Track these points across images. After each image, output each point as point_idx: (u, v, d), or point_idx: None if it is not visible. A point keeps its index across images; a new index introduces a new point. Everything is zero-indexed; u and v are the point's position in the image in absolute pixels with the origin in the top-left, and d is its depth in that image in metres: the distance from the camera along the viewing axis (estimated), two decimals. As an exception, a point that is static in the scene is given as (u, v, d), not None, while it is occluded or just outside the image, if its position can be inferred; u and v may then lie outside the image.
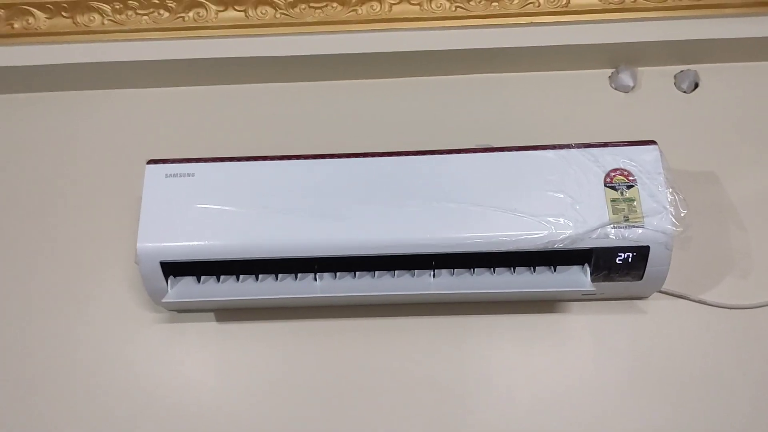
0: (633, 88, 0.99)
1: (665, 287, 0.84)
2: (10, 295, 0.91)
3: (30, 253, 0.93)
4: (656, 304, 0.86)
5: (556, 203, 0.78)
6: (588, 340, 0.86)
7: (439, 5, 0.95)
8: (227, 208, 0.81)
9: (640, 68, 1.00)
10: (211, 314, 0.90)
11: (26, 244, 0.94)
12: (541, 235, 0.76)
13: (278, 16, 0.97)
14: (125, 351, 0.88)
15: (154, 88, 1.03)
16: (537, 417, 0.82)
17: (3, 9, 0.97)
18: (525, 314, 0.87)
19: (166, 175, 0.83)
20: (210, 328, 0.89)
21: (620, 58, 0.99)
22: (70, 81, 1.01)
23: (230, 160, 0.83)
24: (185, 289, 0.82)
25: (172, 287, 0.82)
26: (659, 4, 0.94)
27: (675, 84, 0.99)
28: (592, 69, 1.00)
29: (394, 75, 1.01)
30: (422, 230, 0.78)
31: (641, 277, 0.78)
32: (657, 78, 1.00)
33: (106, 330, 0.89)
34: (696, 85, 0.99)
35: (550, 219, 0.77)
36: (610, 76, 1.00)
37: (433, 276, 0.81)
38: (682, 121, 0.97)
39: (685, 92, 0.99)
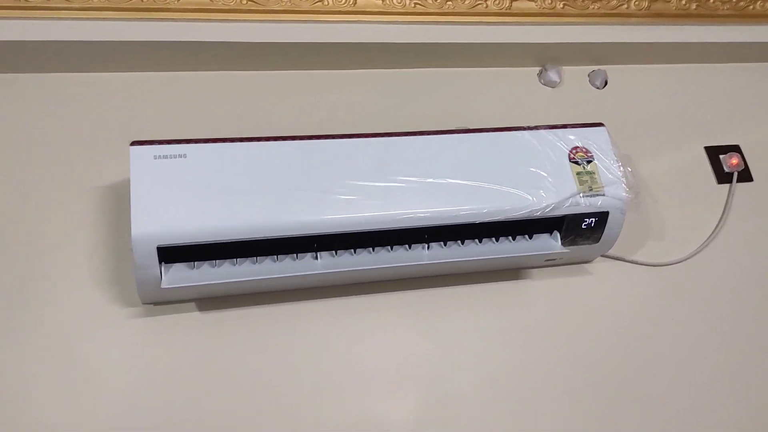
0: (559, 83, 1.13)
1: (607, 251, 0.99)
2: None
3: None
4: (599, 266, 1.00)
5: (533, 177, 0.87)
6: (546, 302, 0.97)
7: (399, 0, 1.01)
8: (223, 189, 0.79)
9: (562, 67, 1.15)
10: (193, 304, 0.86)
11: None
12: (526, 204, 0.85)
13: (244, 2, 0.96)
14: (101, 348, 0.82)
15: (116, 73, 0.97)
16: (510, 375, 0.91)
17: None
18: (493, 282, 0.96)
19: (155, 156, 0.79)
20: (192, 318, 0.86)
21: (546, 58, 1.13)
22: (46, 61, 0.93)
23: (223, 141, 0.82)
24: (181, 274, 0.79)
25: (165, 273, 0.78)
26: (581, 11, 1.09)
27: (590, 81, 1.15)
28: (523, 66, 1.13)
29: (351, 66, 1.06)
30: (418, 205, 0.84)
31: (599, 240, 0.91)
32: (575, 76, 1.15)
33: (78, 326, 0.82)
34: (605, 83, 1.16)
35: (532, 191, 0.86)
36: (538, 74, 1.14)
37: (427, 248, 0.86)
38: (598, 113, 1.12)
39: (597, 88, 1.15)
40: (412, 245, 0.86)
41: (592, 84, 1.15)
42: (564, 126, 0.92)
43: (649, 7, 1.12)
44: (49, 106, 0.93)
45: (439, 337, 0.91)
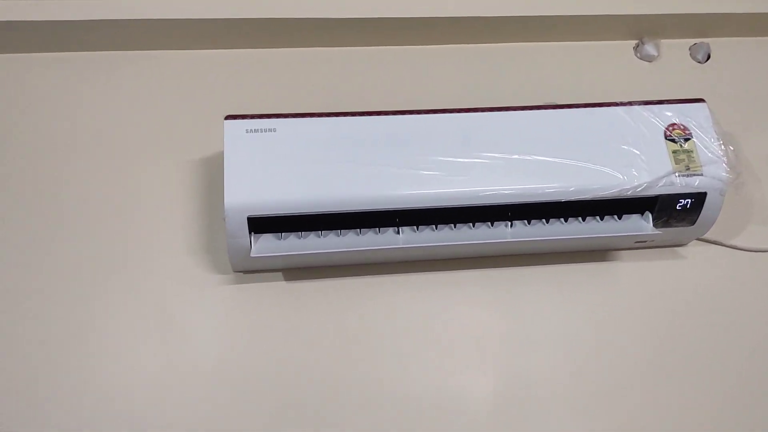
0: (657, 57, 1.07)
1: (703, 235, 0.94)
2: (73, 253, 0.87)
3: (94, 214, 0.90)
4: (694, 250, 0.95)
5: (624, 154, 0.84)
6: (637, 286, 0.93)
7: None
8: (310, 162, 0.81)
9: (661, 40, 1.09)
10: (280, 274, 0.90)
11: (94, 203, 0.91)
12: (616, 183, 0.82)
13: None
14: (194, 313, 0.86)
15: (213, 50, 1.02)
16: (596, 358, 0.89)
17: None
18: (582, 263, 0.93)
19: (247, 130, 0.82)
20: (279, 287, 0.89)
21: (643, 30, 1.07)
22: (145, 39, 0.99)
23: (311, 116, 0.84)
24: (269, 244, 0.82)
25: (255, 243, 0.81)
26: (682, -20, 1.03)
27: (690, 55, 1.09)
28: (618, 40, 1.08)
29: (458, 41, 1.05)
30: (501, 181, 0.83)
31: (694, 222, 0.87)
32: (674, 49, 1.09)
33: (172, 292, 0.87)
34: (708, 57, 1.09)
35: (623, 169, 0.83)
36: (635, 47, 1.08)
37: (510, 226, 0.85)
38: (699, 89, 1.06)
39: (699, 62, 1.08)
40: (495, 223, 0.85)
41: (693, 58, 1.09)
42: (660, 102, 0.88)
43: (759, -27, 1.04)
44: (148, 82, 0.99)
45: (520, 315, 0.90)
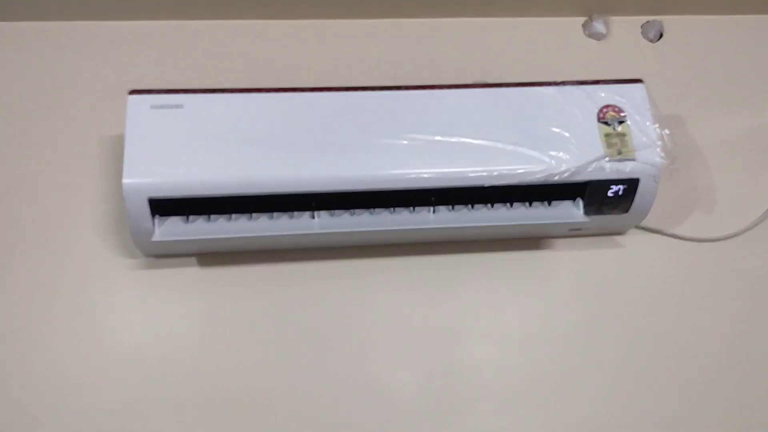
0: (605, 35, 1.02)
1: (641, 222, 0.90)
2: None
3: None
4: (633, 238, 0.91)
5: (553, 137, 0.79)
6: (572, 274, 0.89)
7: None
8: (220, 141, 0.77)
9: (610, 17, 1.04)
10: (193, 259, 0.85)
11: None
12: (542, 168, 0.78)
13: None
14: (103, 299, 0.83)
15: (136, 21, 0.96)
16: (527, 350, 0.85)
17: None
18: (514, 251, 0.89)
19: (152, 106, 0.77)
20: (192, 273, 0.85)
21: (592, 6, 1.02)
22: (46, 9, 0.93)
23: (221, 92, 0.79)
24: (174, 227, 0.77)
25: (159, 226, 0.77)
26: (633, -47, 0.97)
27: (642, 33, 1.04)
28: (567, 16, 1.03)
29: (383, 15, 0.99)
30: (423, 164, 0.78)
31: (628, 210, 0.82)
32: (625, 27, 1.04)
33: (83, 276, 0.83)
34: (661, 35, 1.04)
35: (551, 153, 0.78)
36: (583, 24, 1.03)
37: (433, 212, 0.81)
38: (649, 69, 1.01)
39: (651, 41, 1.03)
40: (417, 208, 0.80)
41: (645, 37, 1.03)
42: (596, 82, 0.83)
43: (716, -53, 0.99)
44: (51, 54, 0.93)
45: (447, 304, 0.86)
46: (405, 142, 0.79)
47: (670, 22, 1.04)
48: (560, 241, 0.90)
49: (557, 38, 1.02)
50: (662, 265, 0.90)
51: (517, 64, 1.00)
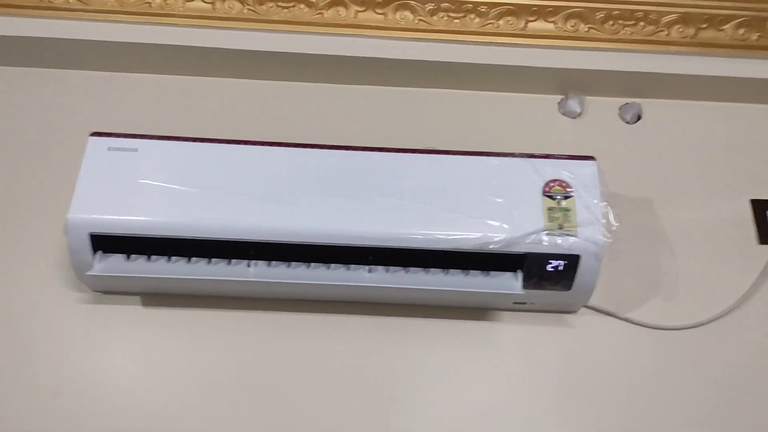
0: (580, 114, 1.02)
1: (594, 303, 0.87)
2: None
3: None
4: (584, 319, 0.88)
5: (494, 207, 0.79)
6: (516, 350, 0.86)
7: (402, 17, 0.98)
8: (166, 185, 0.80)
9: (588, 97, 1.04)
10: (138, 298, 0.87)
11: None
12: (478, 235, 0.77)
13: (245, 11, 0.98)
14: (45, 329, 0.85)
15: (109, 72, 1.03)
16: (463, 423, 0.82)
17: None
18: (457, 320, 0.87)
19: (109, 148, 0.82)
20: (135, 312, 0.87)
21: (570, 85, 1.03)
22: (31, 56, 1.01)
23: (175, 139, 0.83)
24: (112, 264, 0.80)
25: (99, 261, 0.80)
26: (611, 36, 0.98)
27: (619, 115, 1.03)
28: (542, 93, 1.04)
29: (352, 81, 1.03)
30: (361, 223, 0.79)
31: (570, 287, 0.80)
32: (603, 107, 1.04)
33: (26, 304, 0.86)
34: (639, 118, 1.03)
35: (488, 221, 0.78)
36: (559, 102, 1.04)
37: (369, 271, 0.81)
38: (624, 150, 1.00)
39: (628, 123, 1.03)
40: (352, 266, 0.81)
41: (622, 118, 1.03)
42: (547, 156, 0.83)
43: (696, 35, 0.98)
44: (15, 98, 1.00)
45: (384, 367, 0.84)
46: (347, 200, 0.80)
47: (648, 104, 1.03)
48: (506, 315, 0.88)
49: (532, 114, 1.03)
50: (614, 349, 0.86)
51: (488, 136, 1.01)
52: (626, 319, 0.87)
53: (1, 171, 0.95)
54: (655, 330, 0.87)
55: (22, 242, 0.89)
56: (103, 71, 1.03)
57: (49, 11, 0.98)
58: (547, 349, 0.86)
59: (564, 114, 1.03)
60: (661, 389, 0.84)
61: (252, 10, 0.98)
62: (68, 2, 0.98)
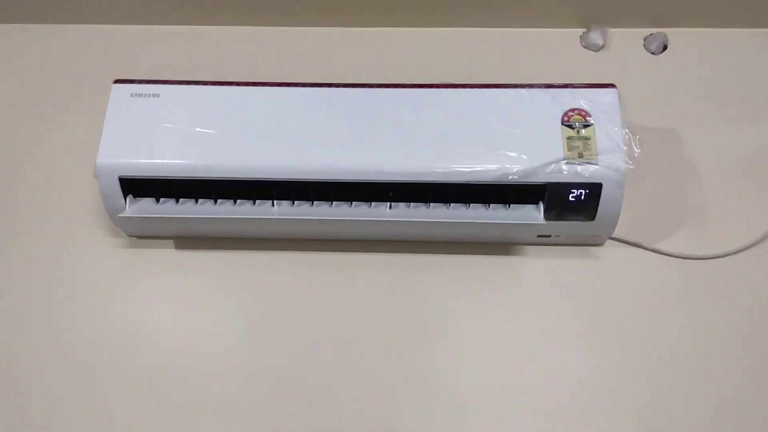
0: (602, 47, 1.00)
1: (619, 235, 0.86)
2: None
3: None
4: (610, 251, 0.87)
5: (513, 138, 0.79)
6: (543, 284, 0.86)
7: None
8: (189, 128, 0.81)
9: (610, 29, 1.01)
10: (171, 242, 0.90)
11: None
12: (496, 167, 0.77)
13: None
14: (82, 273, 0.88)
15: (129, 25, 1.05)
16: (489, 358, 0.83)
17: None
18: (481, 254, 0.88)
19: (132, 94, 0.83)
20: (168, 255, 0.89)
21: (592, 17, 1.00)
22: (57, 12, 1.04)
23: (196, 83, 0.84)
24: (143, 207, 0.83)
25: (130, 205, 0.82)
26: (631, -37, 0.95)
27: (644, 45, 1.01)
28: (564, 27, 1.02)
29: (369, 23, 1.03)
30: (380, 159, 0.79)
31: (593, 216, 0.79)
32: (627, 39, 1.01)
33: (61, 252, 0.89)
34: (665, 48, 1.00)
35: (507, 152, 0.78)
36: (581, 36, 1.02)
37: (390, 207, 0.82)
38: (650, 81, 0.98)
39: (653, 54, 1.00)
40: (374, 202, 0.81)
41: (647, 49, 1.00)
42: (564, 86, 0.82)
43: (724, -42, 0.95)
44: (39, 54, 1.04)
45: (408, 304, 0.86)
46: (365, 137, 0.80)
47: (674, 34, 1.00)
48: (531, 249, 0.88)
49: (554, 49, 1.01)
50: (641, 280, 0.86)
51: (510, 73, 0.98)
52: (654, 250, 0.86)
53: (30, 123, 0.98)
54: (683, 260, 0.86)
55: (55, 191, 0.93)
56: (124, 24, 1.04)
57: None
58: (574, 282, 0.86)
59: (586, 47, 1.01)
60: (690, 320, 0.84)
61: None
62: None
